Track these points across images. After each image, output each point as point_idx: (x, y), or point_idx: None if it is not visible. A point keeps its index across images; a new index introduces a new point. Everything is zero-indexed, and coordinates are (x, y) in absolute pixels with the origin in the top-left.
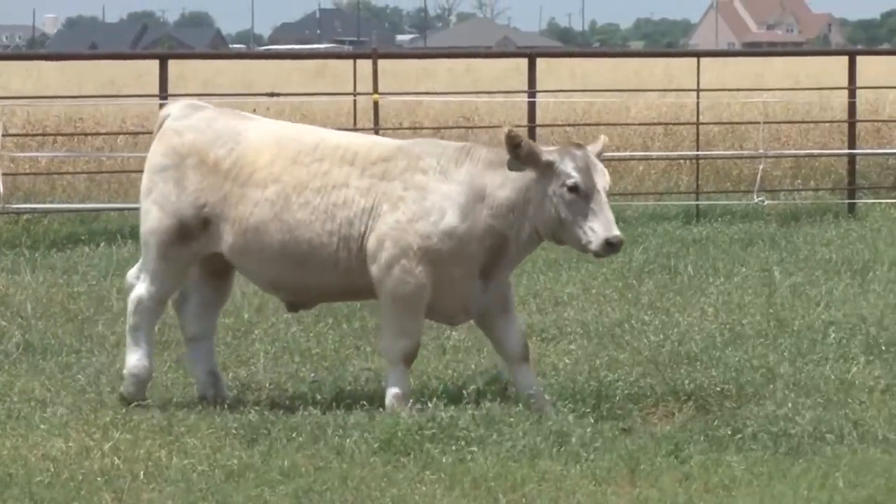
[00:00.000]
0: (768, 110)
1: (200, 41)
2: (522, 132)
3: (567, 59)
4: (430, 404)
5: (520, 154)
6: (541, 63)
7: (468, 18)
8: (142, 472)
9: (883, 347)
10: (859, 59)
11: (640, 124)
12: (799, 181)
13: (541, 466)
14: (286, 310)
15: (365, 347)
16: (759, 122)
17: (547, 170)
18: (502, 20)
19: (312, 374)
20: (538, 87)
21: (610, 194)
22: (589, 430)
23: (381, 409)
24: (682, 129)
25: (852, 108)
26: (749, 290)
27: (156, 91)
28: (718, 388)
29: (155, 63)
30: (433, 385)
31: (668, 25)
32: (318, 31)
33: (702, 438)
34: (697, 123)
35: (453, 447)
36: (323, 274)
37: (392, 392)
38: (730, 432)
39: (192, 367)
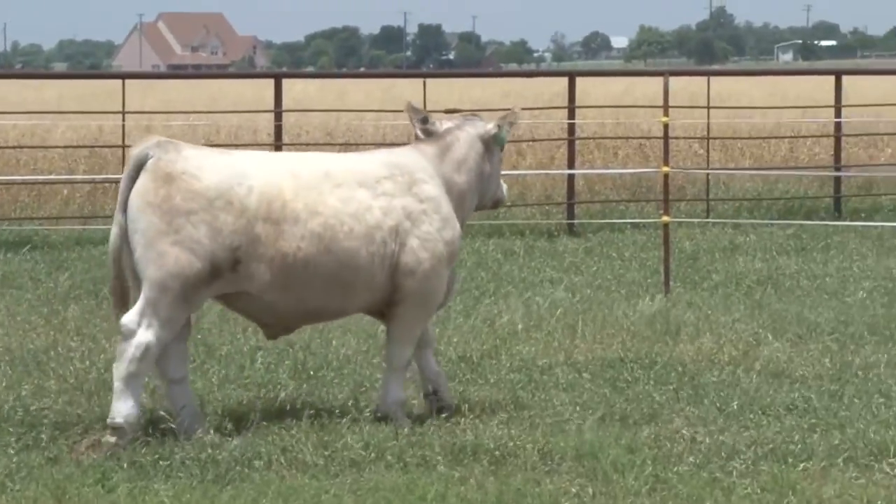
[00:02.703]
0: (196, 133)
1: None
2: None
3: None
4: None
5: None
6: None
7: None
8: None
9: (311, 372)
10: (285, 81)
11: (64, 147)
12: None
13: None
14: (267, 336)
15: None
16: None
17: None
18: None
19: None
20: None
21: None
22: (14, 459)
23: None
24: (108, 153)
25: (279, 130)
26: None
27: None
28: (146, 415)
29: None
30: None
31: (91, 46)
32: None
33: (129, 467)
34: (123, 146)
35: None
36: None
37: (395, 399)
38: (157, 459)
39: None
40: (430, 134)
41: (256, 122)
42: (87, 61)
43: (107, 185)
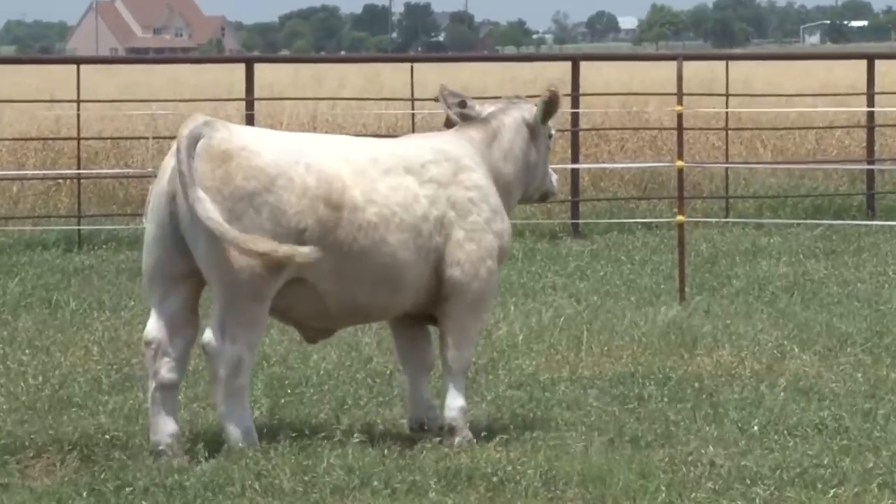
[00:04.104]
0: (157, 124)
1: None
2: None
3: None
4: None
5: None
6: None
7: None
8: None
9: (289, 389)
10: (256, 66)
11: (13, 139)
12: None
13: None
14: (307, 340)
15: None
16: (146, 138)
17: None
18: None
19: None
20: None
21: None
22: None
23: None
24: (62, 145)
25: (250, 119)
26: (139, 326)
27: None
28: (107, 437)
29: None
30: None
31: (42, 28)
32: None
33: (88, 494)
34: (78, 139)
35: None
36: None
37: (458, 406)
38: (119, 486)
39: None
40: (469, 118)
41: (226, 111)
42: (37, 45)
43: (61, 181)
